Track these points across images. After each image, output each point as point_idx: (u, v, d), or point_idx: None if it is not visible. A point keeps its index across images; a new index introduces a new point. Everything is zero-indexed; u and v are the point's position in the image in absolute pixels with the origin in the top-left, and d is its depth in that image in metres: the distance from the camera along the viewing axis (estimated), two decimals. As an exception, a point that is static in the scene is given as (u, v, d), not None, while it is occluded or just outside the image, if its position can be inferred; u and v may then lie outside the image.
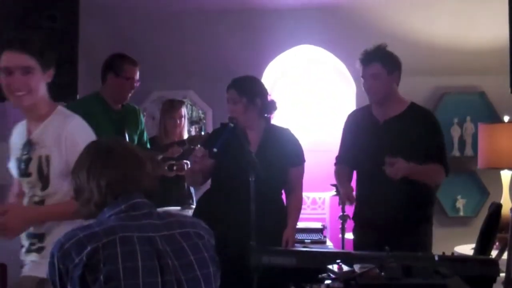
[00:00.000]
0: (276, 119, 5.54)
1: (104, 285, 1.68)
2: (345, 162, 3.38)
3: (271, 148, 3.18)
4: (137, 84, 3.73)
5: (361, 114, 3.35)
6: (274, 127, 3.34)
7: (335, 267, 2.16)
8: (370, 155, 3.16)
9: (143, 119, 3.98)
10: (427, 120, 3.19)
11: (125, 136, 3.69)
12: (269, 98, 3.31)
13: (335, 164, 3.42)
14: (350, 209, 4.41)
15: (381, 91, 3.16)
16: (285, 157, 3.20)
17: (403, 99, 3.24)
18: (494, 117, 4.88)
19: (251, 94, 3.22)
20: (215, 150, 3.02)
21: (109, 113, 3.68)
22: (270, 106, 3.30)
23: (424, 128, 3.14)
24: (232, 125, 3.10)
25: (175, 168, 4.23)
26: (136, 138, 3.84)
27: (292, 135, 3.37)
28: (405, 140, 3.10)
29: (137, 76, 3.71)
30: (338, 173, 3.38)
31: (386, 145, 3.09)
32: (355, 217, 3.38)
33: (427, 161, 3.08)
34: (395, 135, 3.13)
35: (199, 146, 3.23)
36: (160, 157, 4.05)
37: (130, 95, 3.74)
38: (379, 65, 3.14)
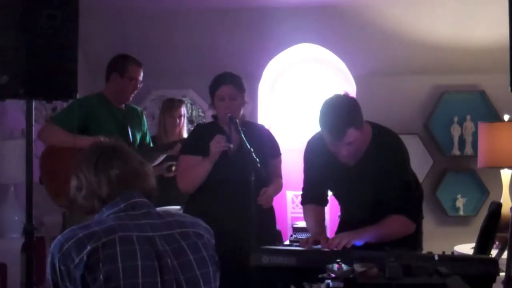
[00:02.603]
0: (276, 117, 5.57)
1: (103, 285, 1.68)
2: (314, 201, 2.99)
3: (249, 143, 3.15)
4: (140, 85, 3.75)
5: (323, 150, 2.81)
6: (249, 123, 3.33)
7: (335, 267, 2.16)
8: (344, 198, 2.97)
9: (145, 120, 4.00)
10: (389, 157, 2.77)
11: (128, 135, 3.70)
12: None
13: (302, 203, 3.04)
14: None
15: (359, 152, 2.76)
16: (263, 151, 3.16)
17: (365, 130, 2.76)
18: (494, 116, 4.88)
19: (244, 90, 3.24)
20: (231, 145, 3.02)
21: (113, 112, 3.70)
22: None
23: (387, 170, 2.74)
24: (237, 120, 3.11)
25: (173, 168, 4.24)
26: (139, 138, 3.85)
27: (267, 129, 3.42)
28: (375, 183, 2.76)
29: (141, 77, 3.74)
30: (308, 218, 2.99)
31: (358, 189, 2.81)
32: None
33: (390, 211, 2.74)
34: (366, 179, 2.78)
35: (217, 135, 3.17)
36: (163, 156, 4.04)
37: (133, 95, 3.76)
38: (352, 130, 2.62)
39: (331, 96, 2.75)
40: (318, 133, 2.91)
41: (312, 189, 2.99)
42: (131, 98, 3.78)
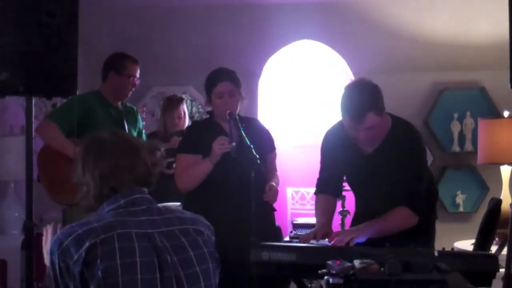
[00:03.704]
0: (276, 114, 5.57)
1: (102, 281, 1.68)
2: (327, 191, 2.97)
3: (248, 139, 3.14)
4: (137, 82, 3.75)
5: (341, 139, 2.85)
6: (246, 118, 3.31)
7: (335, 263, 2.16)
8: (360, 187, 2.97)
9: (140, 118, 4.00)
10: (405, 148, 2.78)
11: (125, 131, 3.70)
12: None
13: (316, 193, 3.01)
14: (350, 205, 4.42)
15: (377, 138, 2.77)
16: (261, 145, 3.16)
17: (384, 119, 2.78)
18: (494, 113, 4.88)
19: (240, 85, 3.23)
20: (233, 144, 3.01)
21: (109, 110, 3.70)
22: None
23: (402, 160, 2.74)
24: (237, 117, 3.10)
25: (174, 165, 4.24)
26: (135, 135, 3.85)
27: (262, 124, 3.43)
28: (390, 173, 2.76)
29: (138, 74, 3.74)
30: (317, 208, 2.96)
31: (374, 178, 2.81)
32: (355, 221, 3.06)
33: (396, 202, 2.73)
34: (382, 167, 2.78)
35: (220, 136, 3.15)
36: (162, 149, 4.03)
37: (130, 92, 3.76)
38: (372, 114, 2.64)
39: (355, 80, 2.79)
40: (336, 124, 2.93)
41: (328, 178, 2.97)
42: (129, 95, 3.78)
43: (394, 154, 2.75)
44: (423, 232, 2.84)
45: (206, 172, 3.13)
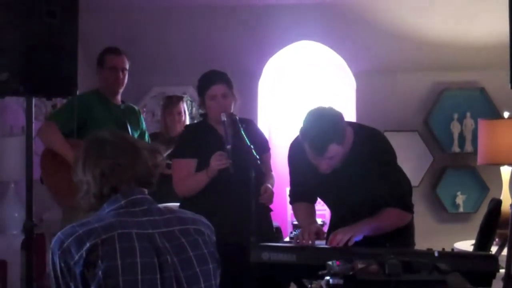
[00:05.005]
0: (276, 114, 5.57)
1: (102, 281, 1.69)
2: (302, 200, 2.97)
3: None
4: (124, 72, 3.73)
5: (305, 155, 2.72)
6: (242, 119, 3.27)
7: (335, 263, 2.16)
8: (331, 201, 2.98)
9: (143, 119, 4.00)
10: (373, 156, 2.74)
11: (128, 131, 3.69)
12: None
13: (291, 202, 3.03)
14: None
15: (339, 163, 2.72)
16: (258, 146, 3.15)
17: (347, 135, 2.70)
18: (494, 113, 4.88)
19: (232, 86, 3.23)
20: (228, 147, 3.01)
21: (110, 108, 3.70)
22: None
23: (374, 169, 2.72)
24: (237, 117, 3.10)
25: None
26: (136, 136, 3.84)
27: (256, 125, 3.49)
28: (361, 184, 2.74)
29: (124, 64, 3.74)
30: (297, 213, 2.99)
31: (345, 192, 2.79)
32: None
33: (383, 205, 2.73)
34: (351, 181, 2.74)
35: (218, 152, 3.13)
36: (167, 152, 4.04)
37: (122, 85, 3.74)
38: (334, 145, 2.60)
39: (316, 108, 2.71)
40: (299, 137, 2.85)
41: (299, 190, 2.98)
42: (120, 88, 3.77)
43: (363, 165, 2.72)
44: (402, 230, 2.84)
45: (203, 185, 3.13)
